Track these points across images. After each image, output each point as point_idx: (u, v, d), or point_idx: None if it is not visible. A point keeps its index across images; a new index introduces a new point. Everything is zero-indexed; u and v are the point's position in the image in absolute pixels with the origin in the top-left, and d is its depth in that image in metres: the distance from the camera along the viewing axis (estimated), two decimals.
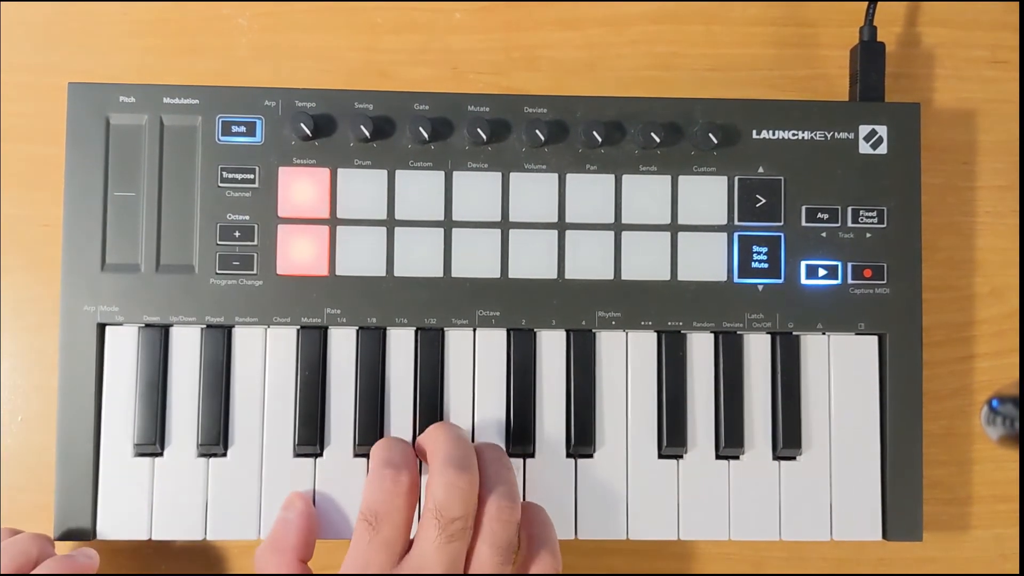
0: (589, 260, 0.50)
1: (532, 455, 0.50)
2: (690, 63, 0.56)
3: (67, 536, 0.48)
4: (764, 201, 0.51)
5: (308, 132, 0.49)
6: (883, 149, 0.51)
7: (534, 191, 0.50)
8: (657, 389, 0.50)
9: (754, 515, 0.50)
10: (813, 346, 0.51)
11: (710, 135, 0.50)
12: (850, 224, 0.51)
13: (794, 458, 0.50)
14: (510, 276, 0.50)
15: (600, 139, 0.49)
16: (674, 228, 0.51)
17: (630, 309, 0.50)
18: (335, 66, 0.55)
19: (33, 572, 0.44)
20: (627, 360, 0.50)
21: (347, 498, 0.48)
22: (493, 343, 0.50)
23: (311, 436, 0.48)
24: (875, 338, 0.51)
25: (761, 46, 0.56)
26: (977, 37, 0.56)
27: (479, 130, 0.49)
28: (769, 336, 0.51)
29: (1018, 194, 0.56)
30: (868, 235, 0.51)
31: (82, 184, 0.49)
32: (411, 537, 0.45)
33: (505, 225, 0.50)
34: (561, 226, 0.50)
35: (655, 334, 0.50)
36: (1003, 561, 0.54)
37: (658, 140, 0.50)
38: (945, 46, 0.56)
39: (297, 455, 0.49)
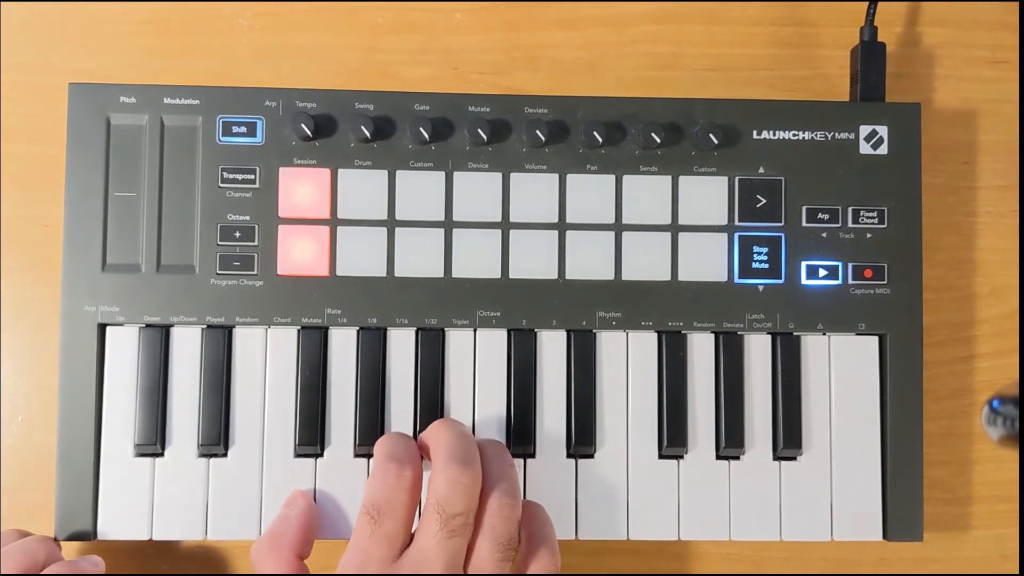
0: (589, 260, 0.50)
1: (532, 455, 0.50)
2: (690, 63, 0.56)
3: (67, 536, 0.48)
4: (764, 201, 0.51)
5: (308, 132, 0.49)
6: (883, 149, 0.51)
7: (534, 191, 0.50)
8: (657, 389, 0.50)
9: (754, 515, 0.50)
10: (813, 346, 0.51)
11: (710, 135, 0.50)
12: (850, 224, 0.51)
13: (794, 458, 0.50)
14: (510, 276, 0.50)
15: (600, 139, 0.49)
16: (674, 228, 0.51)
17: (630, 309, 0.50)
18: (335, 66, 0.55)
19: (39, 574, 0.44)
20: (627, 360, 0.50)
21: (347, 498, 0.48)
22: (493, 343, 0.50)
23: (311, 436, 0.48)
24: (875, 338, 0.51)
25: (761, 46, 0.56)
26: (977, 37, 0.56)
27: (479, 130, 0.49)
28: (769, 336, 0.51)
29: (1018, 194, 0.56)
30: (869, 235, 0.51)
31: (83, 184, 0.49)
32: (412, 532, 0.45)
33: (505, 225, 0.50)
34: (561, 226, 0.50)
35: (655, 334, 0.50)
36: (1003, 561, 0.54)
37: (658, 140, 0.50)
38: (945, 46, 0.56)
39: (298, 455, 0.49)
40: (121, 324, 0.49)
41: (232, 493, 0.48)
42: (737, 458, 0.50)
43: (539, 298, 0.50)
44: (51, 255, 0.52)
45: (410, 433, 0.49)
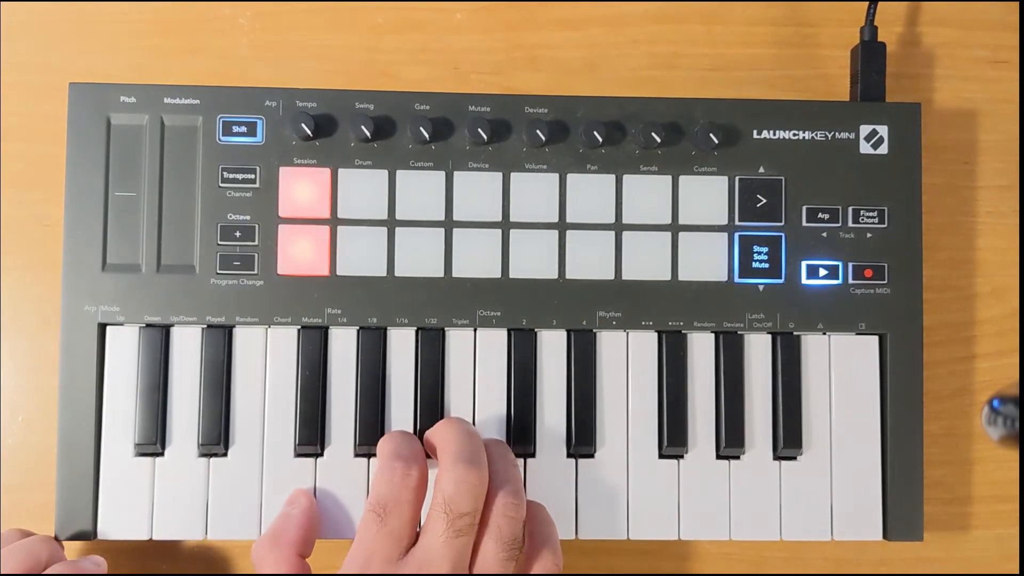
0: (590, 260, 0.50)
1: (533, 455, 0.50)
2: (690, 63, 0.56)
3: (68, 536, 0.48)
4: (765, 201, 0.51)
5: (309, 132, 0.49)
6: (884, 149, 0.51)
7: (535, 191, 0.50)
8: (658, 389, 0.50)
9: (754, 515, 0.50)
10: (814, 346, 0.51)
11: (711, 135, 0.50)
12: (851, 224, 0.51)
13: (795, 458, 0.50)
14: (511, 276, 0.50)
15: (601, 139, 0.49)
16: (675, 228, 0.51)
17: (631, 309, 0.50)
18: (336, 66, 0.55)
19: (42, 574, 0.44)
20: (628, 360, 0.50)
21: (348, 498, 0.48)
22: (494, 343, 0.50)
23: (312, 436, 0.48)
24: (876, 338, 0.51)
25: (762, 46, 0.56)
26: (978, 37, 0.56)
27: (480, 130, 0.49)
28: (770, 336, 0.51)
29: (1018, 194, 0.56)
30: (869, 235, 0.51)
31: (83, 184, 0.49)
32: (417, 530, 0.45)
33: (506, 225, 0.50)
34: (562, 226, 0.50)
35: (656, 334, 0.50)
36: (1003, 561, 0.54)
37: (659, 140, 0.50)
38: (946, 46, 0.56)
39: (298, 455, 0.49)
40: (121, 324, 0.49)
41: (232, 493, 0.48)
42: (737, 458, 0.50)
43: (539, 298, 0.50)
44: (51, 255, 0.52)
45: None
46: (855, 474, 0.50)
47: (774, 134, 0.51)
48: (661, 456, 0.50)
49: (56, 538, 0.47)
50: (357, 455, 0.49)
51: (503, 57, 0.55)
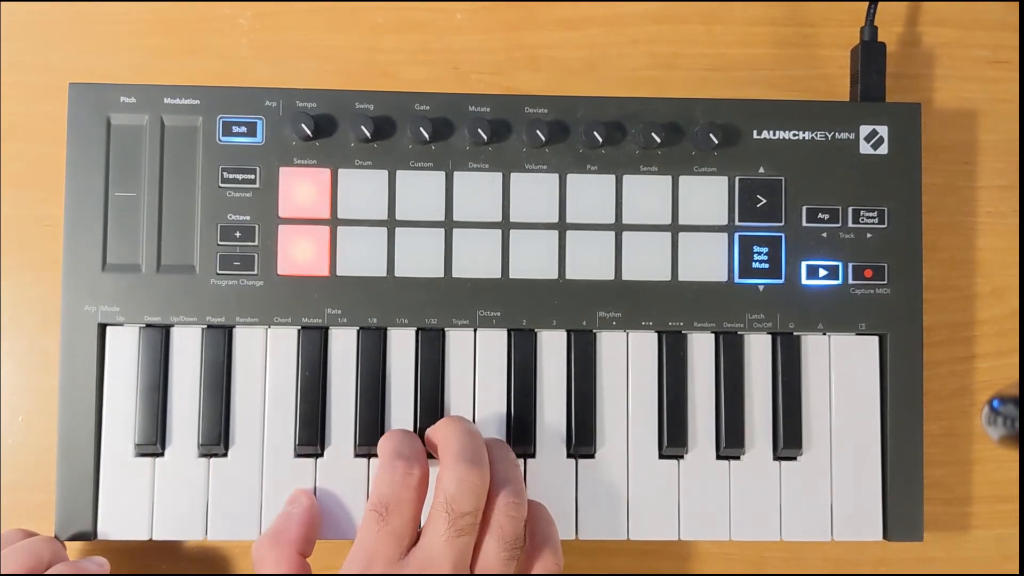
0: (590, 260, 0.50)
1: (533, 455, 0.50)
2: (690, 63, 0.56)
3: (68, 536, 0.48)
4: (765, 201, 0.51)
5: (309, 132, 0.49)
6: (884, 149, 0.51)
7: (535, 191, 0.50)
8: (658, 389, 0.50)
9: (754, 515, 0.50)
10: (814, 346, 0.51)
11: (711, 135, 0.50)
12: (851, 224, 0.51)
13: (795, 458, 0.50)
14: (511, 276, 0.50)
15: (601, 139, 0.49)
16: (675, 228, 0.51)
17: (631, 309, 0.50)
18: (336, 66, 0.55)
19: (44, 574, 0.44)
20: (628, 360, 0.50)
21: (348, 498, 0.48)
22: (494, 343, 0.50)
23: (312, 436, 0.48)
24: (876, 338, 0.51)
25: (762, 46, 0.56)
26: (978, 37, 0.56)
27: (480, 130, 0.49)
28: (770, 336, 0.51)
29: (1018, 194, 0.56)
30: (869, 235, 0.51)
31: (83, 184, 0.49)
32: (419, 529, 0.45)
33: (506, 225, 0.50)
34: (562, 226, 0.50)
35: (656, 334, 0.50)
36: (1004, 561, 0.54)
37: (659, 140, 0.50)
38: (946, 46, 0.56)
39: (298, 455, 0.49)
40: (121, 324, 0.49)
41: (232, 493, 0.48)
42: (737, 458, 0.50)
43: (539, 298, 0.50)
44: (51, 255, 0.52)
45: None
46: (855, 474, 0.50)
47: (774, 134, 0.51)
48: (661, 456, 0.50)
49: (57, 538, 0.47)
50: (357, 455, 0.49)
51: (503, 57, 0.55)
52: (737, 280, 0.51)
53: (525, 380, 0.50)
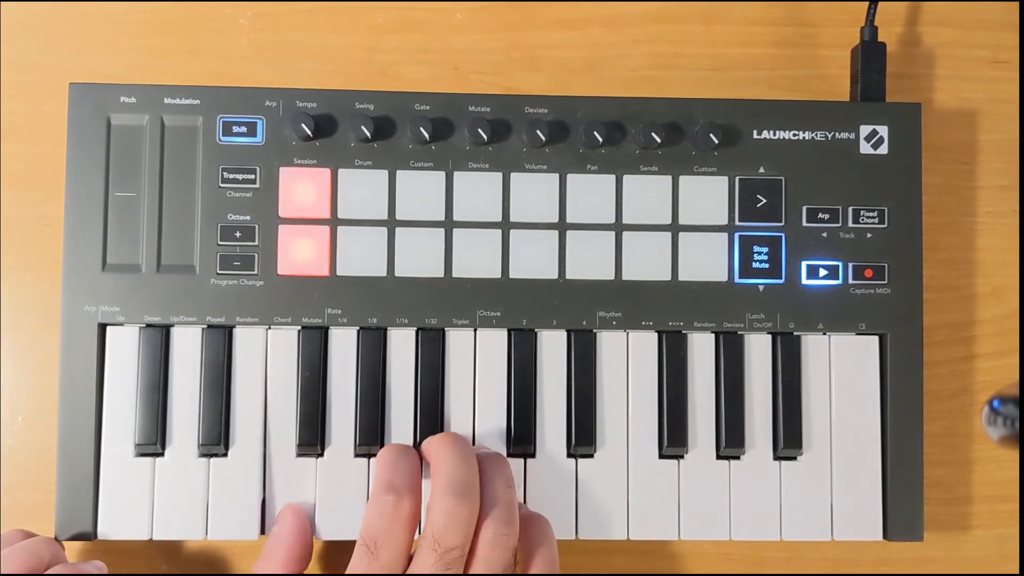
0: (590, 260, 0.50)
1: (533, 455, 0.50)
2: (690, 63, 0.56)
3: (68, 537, 0.48)
4: (765, 201, 0.51)
5: (309, 132, 0.49)
6: (884, 149, 0.51)
7: (535, 191, 0.50)
8: (658, 389, 0.50)
9: (754, 515, 0.50)
10: (814, 346, 0.51)
11: (711, 135, 0.50)
12: (851, 224, 0.51)
13: (795, 458, 0.50)
14: (511, 276, 0.50)
15: (601, 139, 0.49)
16: (675, 228, 0.51)
17: (631, 309, 0.50)
18: (336, 66, 0.55)
19: (43, 575, 0.44)
20: (628, 360, 0.50)
21: (348, 498, 0.48)
22: (494, 343, 0.50)
23: (312, 436, 0.48)
24: (876, 338, 0.51)
25: (762, 46, 0.56)
26: (978, 37, 0.56)
27: (480, 130, 0.49)
28: (770, 336, 0.51)
29: (1018, 194, 0.56)
30: (869, 235, 0.51)
31: (83, 184, 0.49)
32: (411, 555, 0.45)
33: (506, 225, 0.50)
34: (562, 226, 0.50)
35: (656, 334, 0.50)
36: (1003, 561, 0.54)
37: (659, 140, 0.50)
38: (946, 46, 0.56)
39: (298, 455, 0.49)
40: (121, 324, 0.49)
41: (232, 493, 0.48)
42: (737, 458, 0.50)
43: (539, 298, 0.50)
44: (51, 255, 0.52)
45: (410, 433, 0.49)
46: (855, 474, 0.50)
47: (774, 134, 0.51)
48: (661, 456, 0.50)
49: (57, 540, 0.47)
50: (357, 455, 0.49)
51: (503, 57, 0.55)
52: (737, 280, 0.51)
53: (525, 380, 0.50)
